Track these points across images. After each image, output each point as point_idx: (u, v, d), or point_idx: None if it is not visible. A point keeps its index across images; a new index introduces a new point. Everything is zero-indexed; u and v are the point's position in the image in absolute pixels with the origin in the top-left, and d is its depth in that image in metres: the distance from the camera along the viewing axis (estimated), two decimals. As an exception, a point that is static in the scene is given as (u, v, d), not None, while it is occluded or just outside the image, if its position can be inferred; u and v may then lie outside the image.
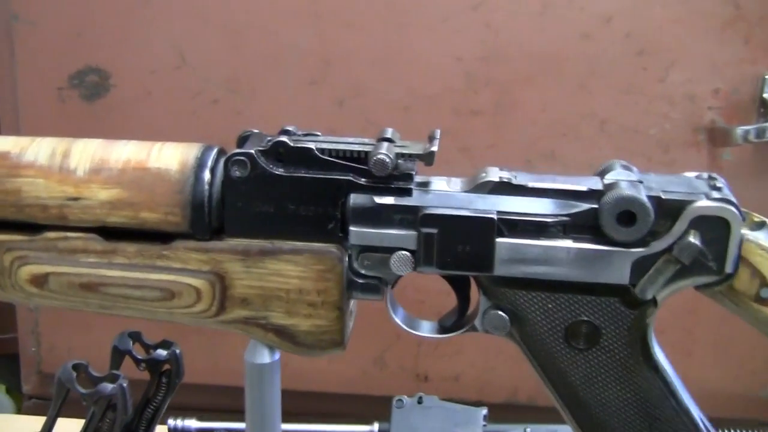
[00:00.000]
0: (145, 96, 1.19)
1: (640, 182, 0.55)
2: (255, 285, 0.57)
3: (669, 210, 0.53)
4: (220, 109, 1.19)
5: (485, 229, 0.54)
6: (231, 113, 1.19)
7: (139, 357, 0.80)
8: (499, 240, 0.54)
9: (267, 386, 0.61)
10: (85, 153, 0.57)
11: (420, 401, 0.91)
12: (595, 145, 1.16)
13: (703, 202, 0.53)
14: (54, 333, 1.26)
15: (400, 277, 0.57)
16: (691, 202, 0.53)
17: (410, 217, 0.55)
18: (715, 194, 0.54)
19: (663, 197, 0.53)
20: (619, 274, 0.54)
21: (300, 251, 0.56)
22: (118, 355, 0.79)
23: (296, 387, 1.03)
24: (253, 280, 0.57)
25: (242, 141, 0.57)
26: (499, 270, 0.55)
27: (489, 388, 1.26)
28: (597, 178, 0.56)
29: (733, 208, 0.53)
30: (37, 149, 0.56)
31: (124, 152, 0.57)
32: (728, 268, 0.54)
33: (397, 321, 0.59)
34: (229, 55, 1.18)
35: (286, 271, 0.56)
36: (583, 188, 0.55)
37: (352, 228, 0.55)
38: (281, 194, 0.55)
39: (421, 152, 0.55)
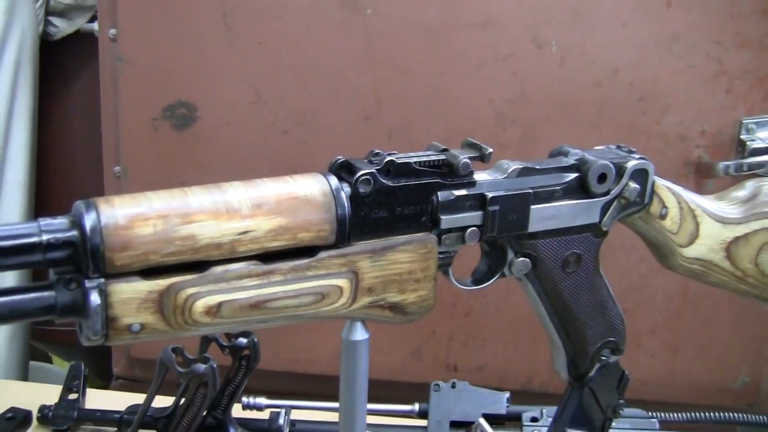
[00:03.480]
0: (225, 126, 1.26)
1: (591, 156, 0.72)
2: (378, 275, 0.64)
3: (617, 169, 0.72)
4: (288, 138, 1.26)
5: (526, 200, 0.69)
6: (298, 142, 1.26)
7: (224, 344, 0.90)
8: (531, 207, 0.69)
9: (360, 360, 0.68)
10: (239, 193, 0.59)
11: (453, 386, 1.00)
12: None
13: (634, 162, 0.73)
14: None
15: (459, 248, 0.69)
16: (627, 162, 0.73)
17: (477, 201, 0.67)
18: (636, 155, 0.74)
19: (614, 162, 0.72)
20: (595, 216, 0.73)
21: (411, 242, 0.65)
22: (206, 342, 0.90)
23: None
24: (377, 271, 0.64)
25: (340, 167, 0.64)
26: (530, 228, 0.70)
27: (508, 377, 1.33)
28: (562, 158, 0.73)
29: (649, 162, 0.73)
30: (196, 197, 0.58)
31: (271, 187, 0.61)
32: (647, 200, 0.74)
33: (455, 282, 0.71)
34: (297, 93, 1.24)
35: (401, 259, 0.65)
36: (568, 164, 0.72)
37: (442, 217, 0.66)
38: (392, 200, 0.64)
39: (476, 155, 0.68)
